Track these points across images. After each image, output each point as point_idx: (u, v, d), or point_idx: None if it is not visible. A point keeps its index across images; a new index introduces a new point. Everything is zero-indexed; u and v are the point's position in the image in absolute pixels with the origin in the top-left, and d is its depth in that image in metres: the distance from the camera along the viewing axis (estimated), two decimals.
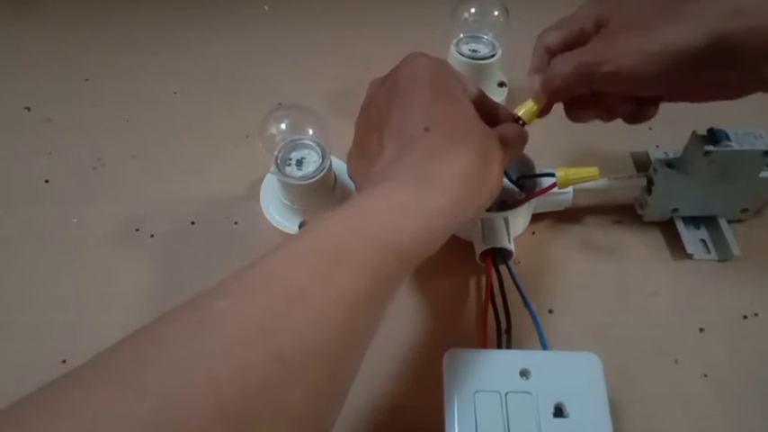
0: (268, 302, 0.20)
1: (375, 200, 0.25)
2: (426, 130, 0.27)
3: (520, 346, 0.36)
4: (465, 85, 0.31)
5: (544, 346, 0.35)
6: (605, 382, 0.30)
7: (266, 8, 0.67)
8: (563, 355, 0.31)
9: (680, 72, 0.29)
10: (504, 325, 0.36)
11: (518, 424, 0.28)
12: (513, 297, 0.38)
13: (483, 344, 0.35)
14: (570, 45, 0.33)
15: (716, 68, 0.28)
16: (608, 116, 0.35)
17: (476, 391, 0.29)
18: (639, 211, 0.43)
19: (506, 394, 0.29)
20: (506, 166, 0.31)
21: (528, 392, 0.29)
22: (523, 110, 0.34)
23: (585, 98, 0.35)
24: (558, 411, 0.29)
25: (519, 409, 0.29)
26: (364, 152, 0.31)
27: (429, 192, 0.25)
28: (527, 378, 0.30)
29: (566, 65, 0.31)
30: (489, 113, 0.33)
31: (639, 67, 0.29)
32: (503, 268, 0.38)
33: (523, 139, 0.33)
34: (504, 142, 0.30)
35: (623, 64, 0.29)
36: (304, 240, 0.23)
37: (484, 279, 0.38)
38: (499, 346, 0.35)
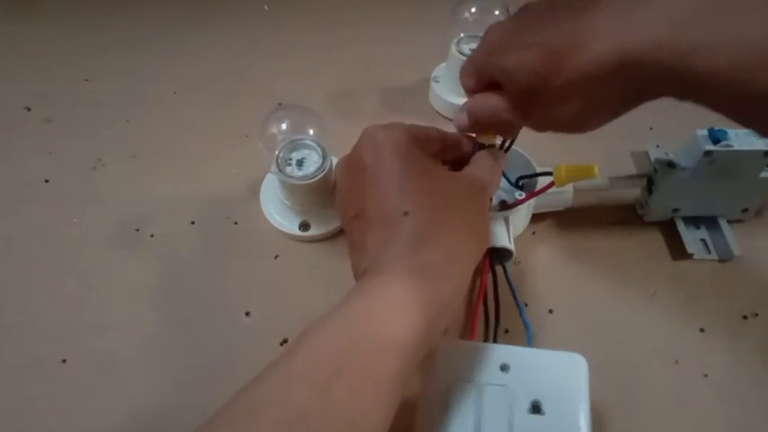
0: (269, 429, 0.20)
1: (367, 297, 0.24)
2: (406, 214, 0.27)
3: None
4: (428, 142, 0.31)
5: (530, 343, 0.35)
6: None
7: (266, 8, 0.67)
8: (547, 354, 0.31)
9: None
10: (493, 324, 0.36)
11: (490, 415, 0.28)
12: (511, 297, 0.38)
13: (471, 339, 0.35)
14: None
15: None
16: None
17: (453, 380, 0.29)
18: (639, 211, 0.43)
19: (483, 386, 0.29)
20: (492, 195, 0.32)
21: (504, 386, 0.29)
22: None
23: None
24: (535, 408, 0.29)
25: (493, 402, 0.29)
26: (353, 244, 0.30)
27: (422, 281, 0.25)
28: (506, 372, 0.30)
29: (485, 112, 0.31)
30: (454, 149, 0.33)
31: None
32: (499, 268, 0.38)
33: (499, 170, 0.33)
34: (482, 185, 0.31)
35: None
36: (301, 354, 0.23)
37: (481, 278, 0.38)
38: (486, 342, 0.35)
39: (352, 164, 0.30)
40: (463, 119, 0.32)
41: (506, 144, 0.38)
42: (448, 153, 0.33)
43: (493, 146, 0.34)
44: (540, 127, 0.30)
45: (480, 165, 0.33)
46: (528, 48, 0.27)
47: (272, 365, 0.22)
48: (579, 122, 0.29)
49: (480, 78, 0.31)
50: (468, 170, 0.32)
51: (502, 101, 0.30)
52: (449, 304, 0.26)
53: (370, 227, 0.28)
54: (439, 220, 0.27)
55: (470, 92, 0.32)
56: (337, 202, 0.32)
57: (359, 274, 0.28)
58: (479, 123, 0.32)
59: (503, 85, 0.29)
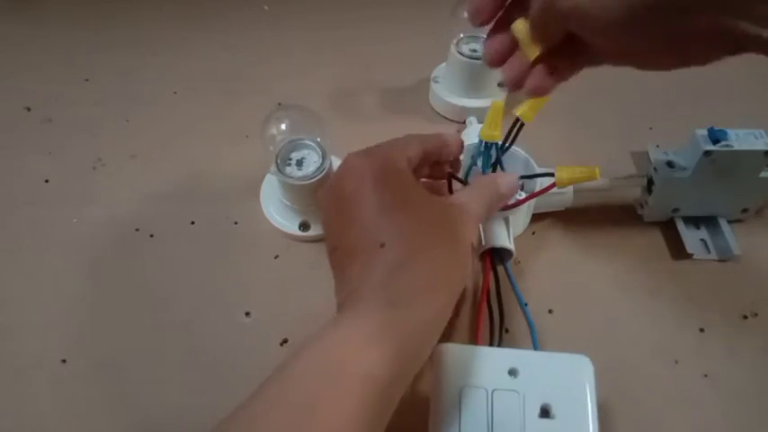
0: None
1: (342, 330, 0.24)
2: (382, 246, 0.26)
3: (514, 346, 0.36)
4: (408, 161, 0.30)
5: (536, 347, 0.35)
6: (600, 384, 0.29)
7: (266, 8, 0.67)
8: (554, 357, 0.31)
9: (638, 21, 0.26)
10: (497, 324, 0.36)
11: (502, 422, 0.28)
12: (512, 297, 0.38)
13: (475, 342, 0.35)
14: None
15: (674, 17, 0.25)
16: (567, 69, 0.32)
17: (462, 387, 0.29)
18: (639, 211, 0.43)
19: (493, 391, 0.29)
20: (483, 221, 0.31)
21: (515, 391, 0.29)
22: (523, 109, 0.34)
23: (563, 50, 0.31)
24: (545, 412, 0.29)
25: (504, 408, 0.29)
26: (335, 275, 0.29)
27: (398, 312, 0.25)
28: (515, 377, 0.30)
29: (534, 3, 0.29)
30: (438, 165, 0.33)
31: (594, 10, 0.26)
32: (501, 268, 0.38)
33: (491, 200, 0.32)
34: (468, 214, 0.30)
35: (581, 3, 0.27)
36: (277, 387, 0.23)
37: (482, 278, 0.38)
38: (492, 345, 0.35)
39: (333, 195, 0.30)
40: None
41: (506, 145, 0.38)
42: (434, 166, 0.32)
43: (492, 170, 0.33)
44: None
45: (471, 192, 0.32)
46: None
47: (242, 405, 0.22)
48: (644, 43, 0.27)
49: None
50: (456, 196, 0.31)
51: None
52: (429, 334, 0.26)
53: (349, 258, 0.28)
54: (416, 250, 0.27)
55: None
56: (324, 233, 0.31)
57: (339, 305, 0.28)
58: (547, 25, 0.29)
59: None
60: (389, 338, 0.24)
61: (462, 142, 0.35)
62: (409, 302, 0.25)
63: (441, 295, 0.27)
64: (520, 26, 0.30)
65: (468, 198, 0.31)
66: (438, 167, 0.36)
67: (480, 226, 0.38)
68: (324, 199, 0.30)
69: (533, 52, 0.30)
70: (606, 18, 0.26)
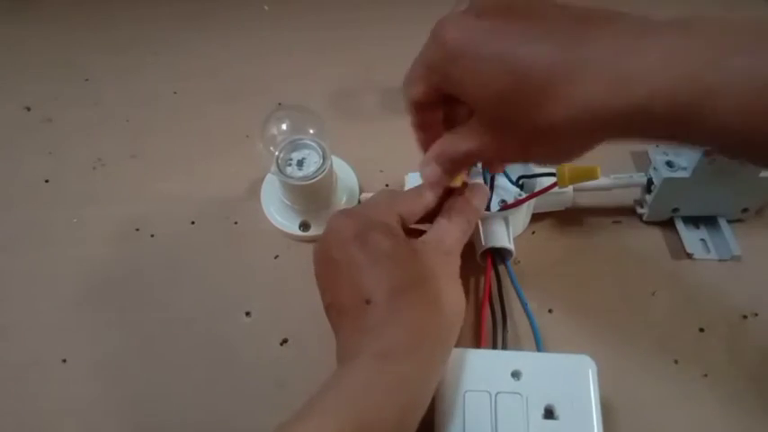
0: None
1: (337, 388, 0.25)
2: (368, 302, 0.27)
3: (517, 347, 0.36)
4: (390, 218, 0.30)
5: (539, 348, 0.35)
6: (599, 384, 0.30)
7: (266, 8, 0.67)
8: (556, 358, 0.31)
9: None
10: (500, 325, 0.36)
11: (506, 425, 0.28)
12: (512, 297, 0.38)
13: (478, 343, 0.35)
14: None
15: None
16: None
17: (466, 391, 0.29)
18: (639, 211, 0.43)
19: (496, 395, 0.29)
20: (462, 243, 0.31)
21: (518, 393, 0.29)
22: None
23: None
24: (549, 413, 0.29)
25: (508, 410, 0.29)
26: (334, 330, 0.30)
27: (388, 367, 0.25)
28: (518, 379, 0.30)
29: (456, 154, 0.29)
30: (419, 206, 0.33)
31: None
32: (502, 268, 0.38)
33: (459, 226, 0.32)
34: (443, 250, 0.30)
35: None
36: None
37: (483, 278, 0.38)
38: (495, 346, 0.35)
39: (321, 255, 0.31)
40: (434, 172, 0.30)
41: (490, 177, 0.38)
42: (415, 217, 0.32)
43: (462, 186, 0.33)
44: (518, 159, 0.29)
45: (437, 228, 0.32)
46: (507, 61, 0.23)
47: None
48: (558, 157, 0.28)
49: (432, 88, 0.28)
50: (427, 236, 0.32)
51: (472, 135, 0.27)
52: (424, 382, 0.27)
53: (341, 316, 0.29)
54: (401, 302, 0.27)
55: (415, 105, 0.29)
56: (319, 290, 0.32)
57: (338, 359, 0.28)
58: (455, 169, 0.30)
59: (469, 103, 0.26)
60: (380, 393, 0.25)
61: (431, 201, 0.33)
62: (399, 354, 0.26)
63: (430, 340, 0.27)
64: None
65: (439, 233, 0.32)
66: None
67: (480, 226, 0.38)
68: (314, 259, 0.31)
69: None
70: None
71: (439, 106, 0.30)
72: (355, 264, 0.28)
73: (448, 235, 0.31)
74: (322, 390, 0.25)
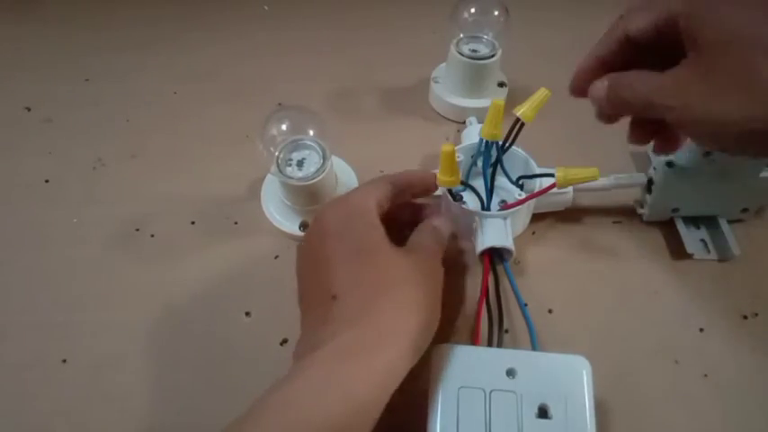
0: None
1: (295, 380, 0.25)
2: (334, 298, 0.27)
3: (514, 346, 0.36)
4: (375, 204, 0.31)
5: (534, 347, 0.35)
6: (599, 384, 0.30)
7: (266, 8, 0.67)
8: (552, 357, 0.31)
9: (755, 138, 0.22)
10: (496, 324, 0.36)
11: (500, 422, 0.28)
12: (511, 297, 0.38)
13: (475, 342, 0.35)
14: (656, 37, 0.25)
15: None
16: (667, 147, 0.30)
17: (460, 387, 0.30)
18: (639, 211, 0.43)
19: (491, 392, 0.29)
20: (443, 254, 0.32)
21: (513, 392, 0.29)
22: (523, 108, 0.34)
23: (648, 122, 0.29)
24: (542, 413, 0.29)
25: (502, 408, 0.29)
26: (300, 324, 0.30)
27: (349, 362, 0.25)
28: (513, 377, 0.30)
29: (636, 92, 0.25)
30: (411, 208, 0.34)
31: (707, 139, 0.24)
32: (501, 269, 0.38)
33: (442, 233, 0.32)
34: (426, 253, 0.30)
35: (688, 128, 0.24)
36: None
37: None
38: (490, 345, 0.35)
39: (302, 249, 0.31)
40: (599, 93, 0.26)
41: (506, 144, 0.38)
42: (402, 209, 0.33)
43: (449, 192, 0.34)
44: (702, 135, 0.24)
45: (421, 233, 0.32)
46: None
47: None
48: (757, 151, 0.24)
49: (654, 25, 0.24)
50: (411, 240, 0.32)
51: (674, 81, 0.23)
52: (379, 386, 0.26)
53: (308, 309, 0.29)
54: (370, 300, 0.27)
55: (620, 42, 0.25)
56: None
57: (296, 353, 0.28)
58: (623, 108, 0.26)
59: (691, 47, 0.22)
60: (337, 386, 0.24)
61: (434, 176, 0.35)
62: (363, 350, 0.26)
63: (401, 339, 0.27)
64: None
65: (420, 239, 0.32)
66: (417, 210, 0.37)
67: (480, 226, 0.38)
68: (297, 253, 0.32)
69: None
70: (721, 134, 0.23)
71: (644, 55, 0.26)
72: (329, 259, 0.28)
73: (423, 242, 0.32)
74: (274, 387, 0.25)
